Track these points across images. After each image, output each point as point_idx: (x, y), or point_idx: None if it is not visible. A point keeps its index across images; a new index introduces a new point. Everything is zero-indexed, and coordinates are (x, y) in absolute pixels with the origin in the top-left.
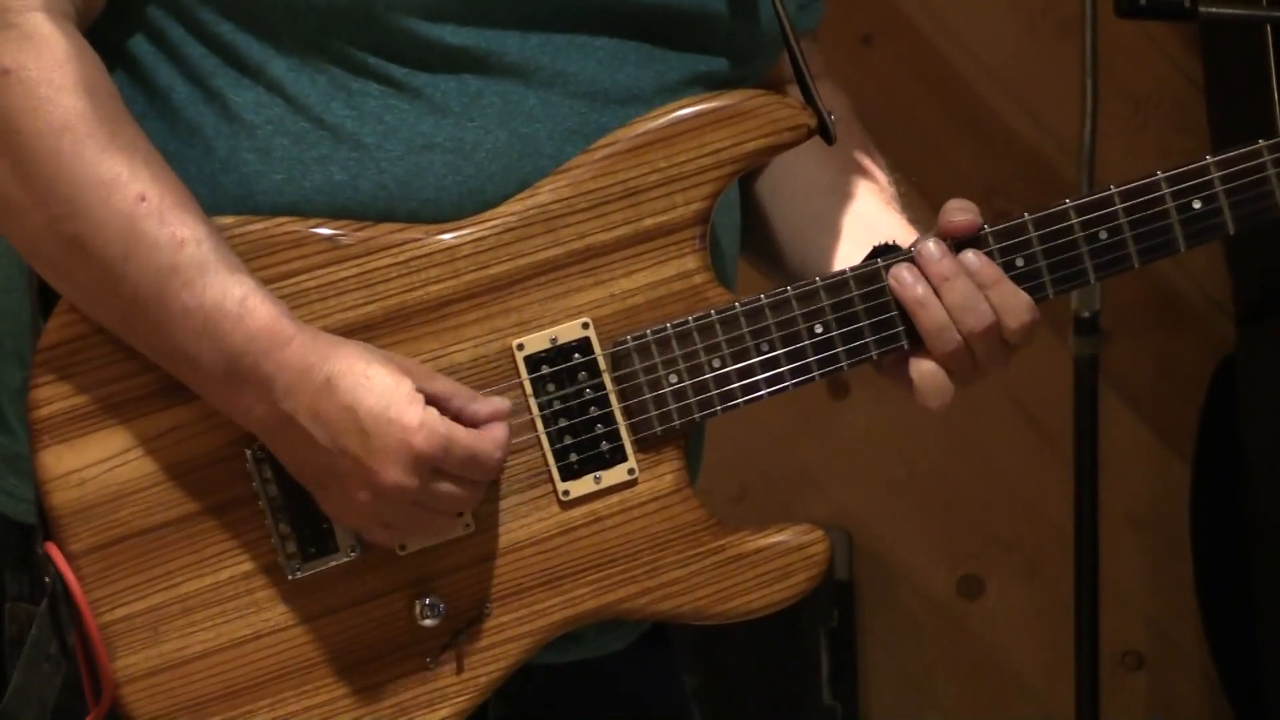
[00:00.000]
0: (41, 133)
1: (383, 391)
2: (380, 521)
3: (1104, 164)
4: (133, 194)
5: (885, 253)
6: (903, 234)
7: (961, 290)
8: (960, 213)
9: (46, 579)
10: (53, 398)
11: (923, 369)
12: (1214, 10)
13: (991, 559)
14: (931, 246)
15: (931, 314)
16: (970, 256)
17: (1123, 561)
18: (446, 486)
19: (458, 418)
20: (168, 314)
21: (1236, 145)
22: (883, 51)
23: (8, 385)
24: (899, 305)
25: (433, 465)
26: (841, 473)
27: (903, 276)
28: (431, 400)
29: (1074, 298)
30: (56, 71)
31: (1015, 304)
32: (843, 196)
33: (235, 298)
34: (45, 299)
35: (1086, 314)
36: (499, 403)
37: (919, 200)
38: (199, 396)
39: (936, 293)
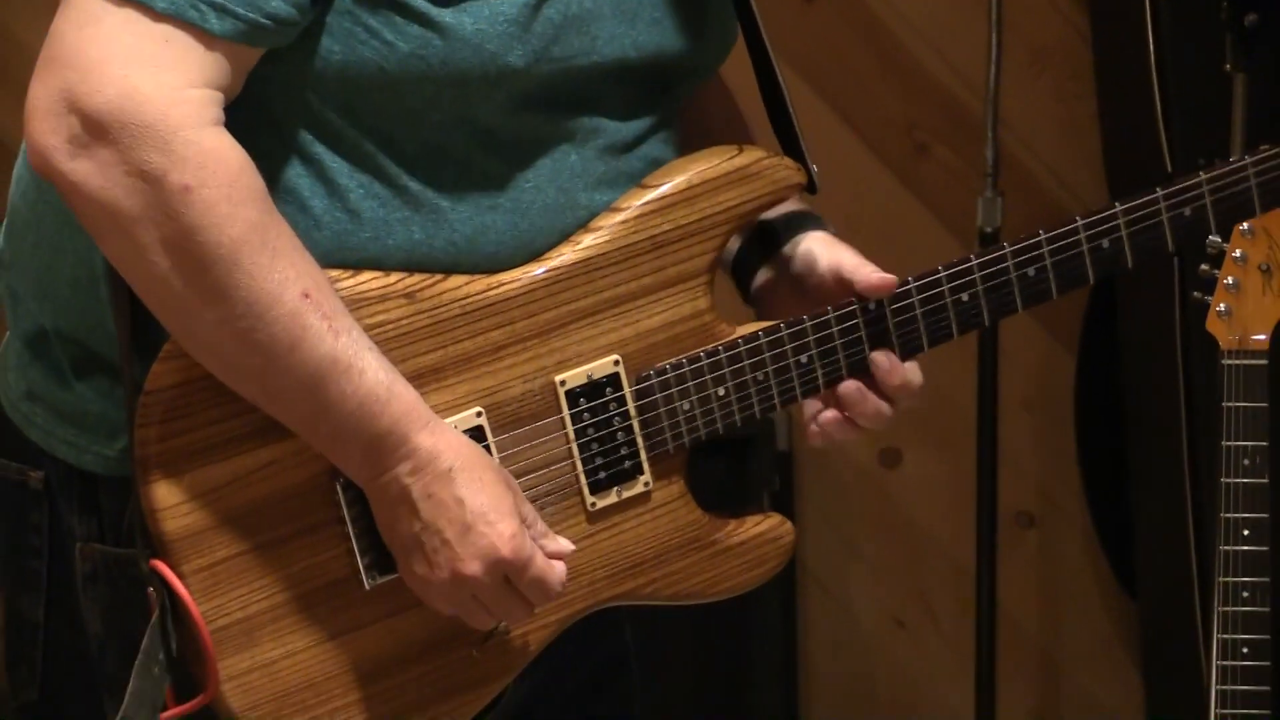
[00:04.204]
0: (222, 246)
1: (492, 495)
2: (444, 598)
3: (1006, 105)
4: (298, 292)
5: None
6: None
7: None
8: (877, 277)
9: (151, 590)
10: (159, 437)
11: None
12: None
13: (908, 434)
14: (882, 360)
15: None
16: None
17: (1018, 437)
18: (508, 596)
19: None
20: (327, 397)
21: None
22: (822, 8)
23: (72, 354)
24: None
25: (508, 573)
26: None
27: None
28: (520, 519)
29: (979, 215)
30: (232, 187)
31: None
32: None
33: (384, 383)
34: (133, 308)
35: (989, 229)
36: (565, 544)
37: (849, 133)
38: (291, 435)
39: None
